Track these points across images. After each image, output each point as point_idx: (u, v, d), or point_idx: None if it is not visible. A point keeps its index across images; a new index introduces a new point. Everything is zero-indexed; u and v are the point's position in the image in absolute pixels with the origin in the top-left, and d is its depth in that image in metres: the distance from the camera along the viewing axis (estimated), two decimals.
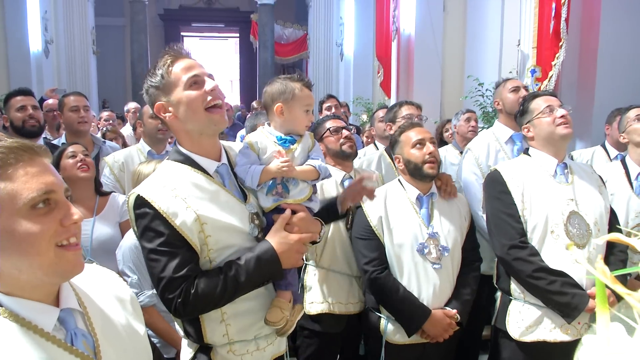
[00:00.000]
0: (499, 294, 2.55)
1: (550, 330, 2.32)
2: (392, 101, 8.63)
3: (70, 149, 2.79)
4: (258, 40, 14.00)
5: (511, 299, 2.42)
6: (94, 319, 1.07)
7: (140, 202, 1.54)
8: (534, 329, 2.35)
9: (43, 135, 3.73)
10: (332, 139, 2.74)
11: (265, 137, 1.79)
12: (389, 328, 2.43)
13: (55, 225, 0.98)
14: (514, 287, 2.40)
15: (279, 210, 1.72)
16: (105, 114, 4.91)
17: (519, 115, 2.57)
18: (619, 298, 0.58)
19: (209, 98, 1.58)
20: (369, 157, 3.42)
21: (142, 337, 1.18)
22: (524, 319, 2.37)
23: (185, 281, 1.51)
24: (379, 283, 2.40)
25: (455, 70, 7.88)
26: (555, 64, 4.52)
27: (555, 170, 2.41)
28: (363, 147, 4.58)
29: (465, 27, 7.83)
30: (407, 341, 2.42)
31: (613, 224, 2.45)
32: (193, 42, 19.77)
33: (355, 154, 2.87)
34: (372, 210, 2.47)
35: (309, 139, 1.85)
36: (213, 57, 21.51)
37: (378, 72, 9.25)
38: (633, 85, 4.59)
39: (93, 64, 12.26)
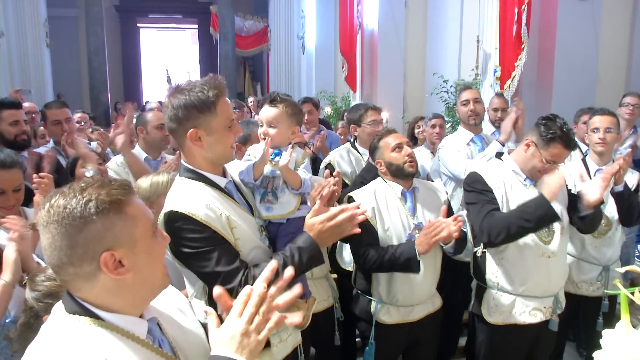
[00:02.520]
0: (474, 282, 2.79)
1: (520, 314, 2.61)
2: (358, 95, 8.81)
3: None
4: (218, 33, 13.84)
5: (486, 287, 2.67)
6: (166, 326, 1.20)
7: (175, 216, 1.63)
8: (506, 314, 2.61)
9: None
10: None
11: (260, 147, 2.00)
12: (378, 309, 2.64)
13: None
14: (489, 276, 2.64)
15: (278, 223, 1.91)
16: (77, 115, 4.83)
17: (543, 125, 2.56)
18: None
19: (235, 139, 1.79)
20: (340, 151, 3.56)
21: (204, 338, 1.31)
22: (497, 305, 2.63)
23: (240, 271, 1.64)
24: (369, 256, 2.56)
25: (417, 65, 8.11)
26: (518, 65, 4.81)
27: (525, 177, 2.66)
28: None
29: (426, 23, 8.05)
30: (394, 321, 2.63)
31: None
32: (150, 34, 19.31)
33: None
34: (364, 202, 2.62)
35: (300, 154, 2.03)
36: (170, 48, 21.06)
37: (342, 67, 9.39)
38: (587, 85, 4.95)
39: (47, 57, 11.85)
